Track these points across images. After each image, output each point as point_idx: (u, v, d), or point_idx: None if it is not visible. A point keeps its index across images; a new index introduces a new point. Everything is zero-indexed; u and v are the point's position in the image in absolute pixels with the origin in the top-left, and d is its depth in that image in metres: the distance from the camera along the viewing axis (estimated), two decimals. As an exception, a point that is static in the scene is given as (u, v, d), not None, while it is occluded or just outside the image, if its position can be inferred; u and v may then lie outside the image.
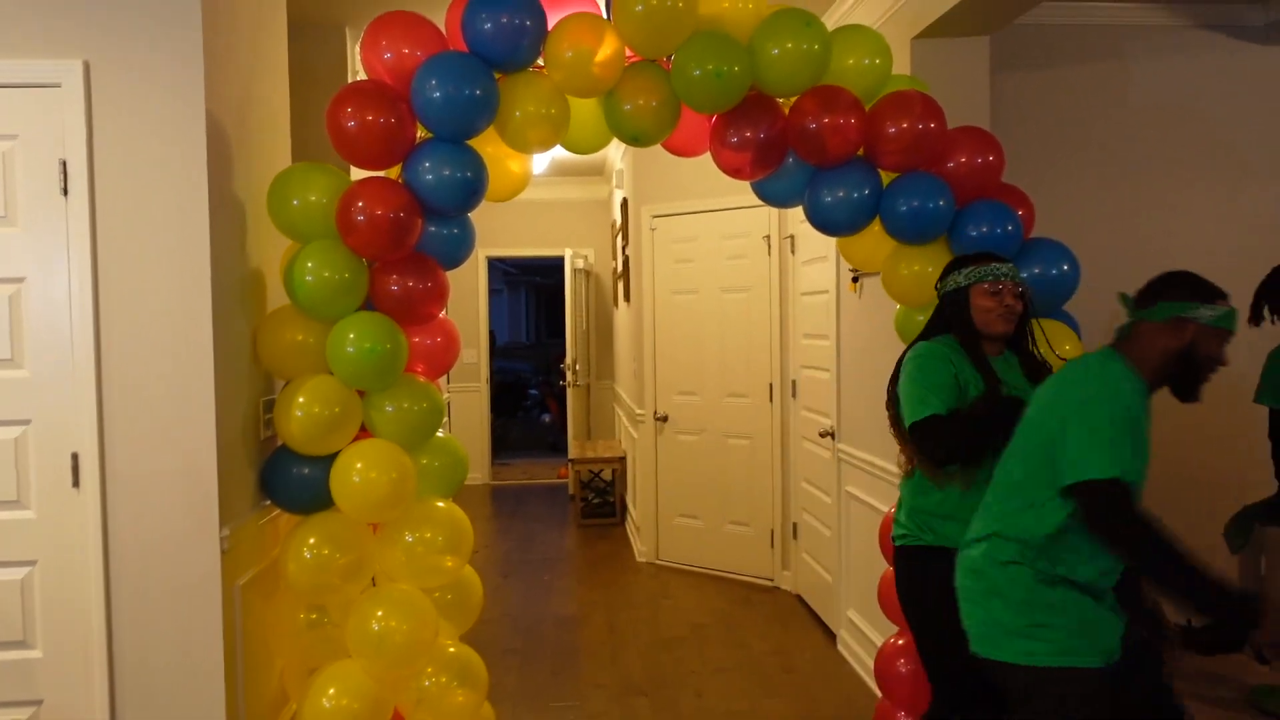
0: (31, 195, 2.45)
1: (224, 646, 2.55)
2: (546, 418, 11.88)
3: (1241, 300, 4.12)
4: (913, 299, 2.87)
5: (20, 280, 2.46)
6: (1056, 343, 2.66)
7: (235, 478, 2.66)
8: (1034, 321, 2.50)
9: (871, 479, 3.89)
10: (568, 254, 8.14)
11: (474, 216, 2.77)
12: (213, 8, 2.56)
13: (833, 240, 4.18)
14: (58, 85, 2.44)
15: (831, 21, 3.96)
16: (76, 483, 2.48)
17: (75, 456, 2.48)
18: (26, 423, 2.47)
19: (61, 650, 2.50)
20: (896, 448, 3.52)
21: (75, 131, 2.44)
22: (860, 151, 2.72)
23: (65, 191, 2.46)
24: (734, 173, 2.80)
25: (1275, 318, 3.66)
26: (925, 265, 2.78)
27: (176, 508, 2.52)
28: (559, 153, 6.48)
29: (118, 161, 2.48)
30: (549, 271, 14.73)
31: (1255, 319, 3.66)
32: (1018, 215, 2.72)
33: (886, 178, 2.76)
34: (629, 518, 6.82)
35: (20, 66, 2.43)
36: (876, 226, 2.81)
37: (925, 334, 2.51)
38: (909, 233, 2.72)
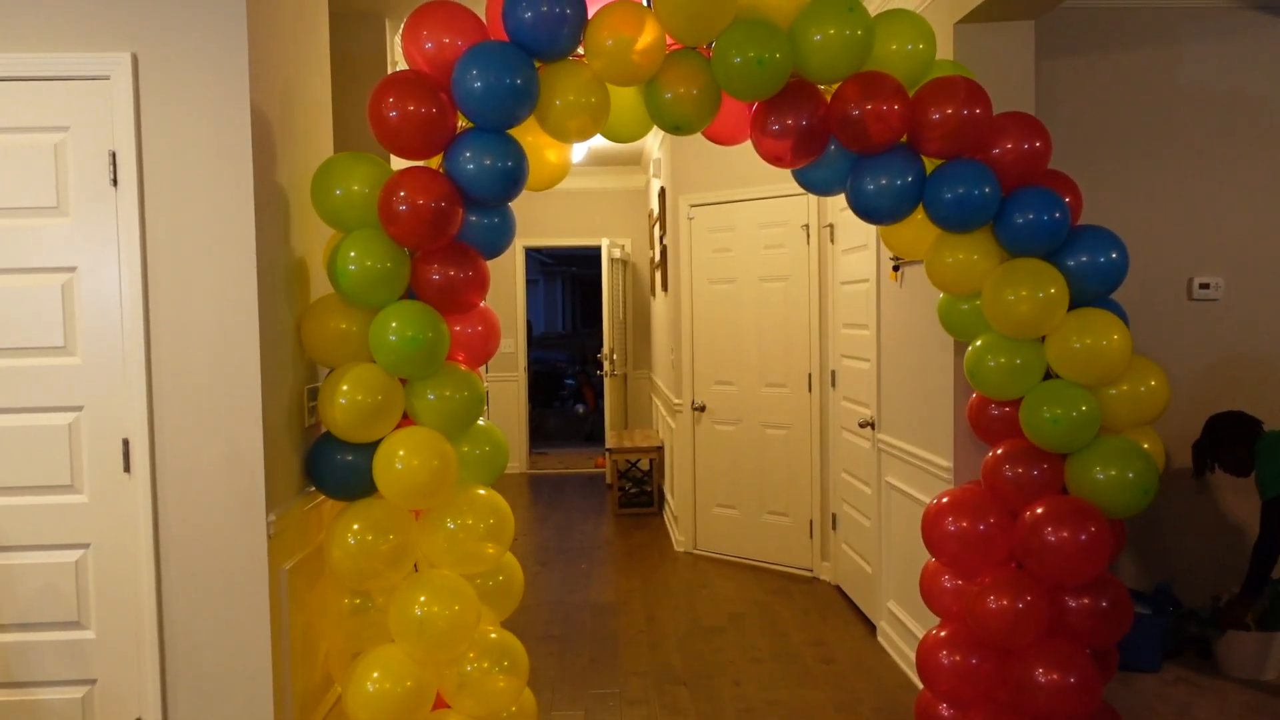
0: (82, 186, 2.50)
1: (270, 629, 2.59)
2: (581, 408, 11.90)
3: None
4: (956, 288, 2.83)
5: (72, 270, 2.51)
6: (1104, 332, 2.62)
7: (281, 464, 2.70)
8: None
9: (912, 469, 3.86)
10: (605, 243, 8.14)
11: (512, 206, 2.78)
12: (257, 0, 2.59)
13: (873, 228, 4.15)
14: (107, 78, 2.48)
15: (874, 6, 3.91)
16: (128, 468, 2.53)
17: (126, 442, 2.53)
18: (79, 409, 2.52)
19: (114, 631, 2.56)
20: (937, 437, 3.50)
21: (124, 123, 2.49)
22: (904, 138, 2.69)
23: (115, 182, 2.50)
24: (775, 161, 2.78)
25: (1216, 466, 3.80)
26: (970, 254, 2.74)
27: (224, 493, 2.56)
28: (597, 142, 6.48)
29: (165, 152, 2.52)
30: (585, 261, 14.75)
31: (1199, 473, 3.85)
32: (1065, 202, 2.67)
33: (930, 165, 2.72)
34: (666, 507, 6.83)
35: (70, 60, 2.48)
36: (920, 214, 2.77)
37: None
38: (953, 220, 2.68)
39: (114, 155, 2.49)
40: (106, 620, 2.56)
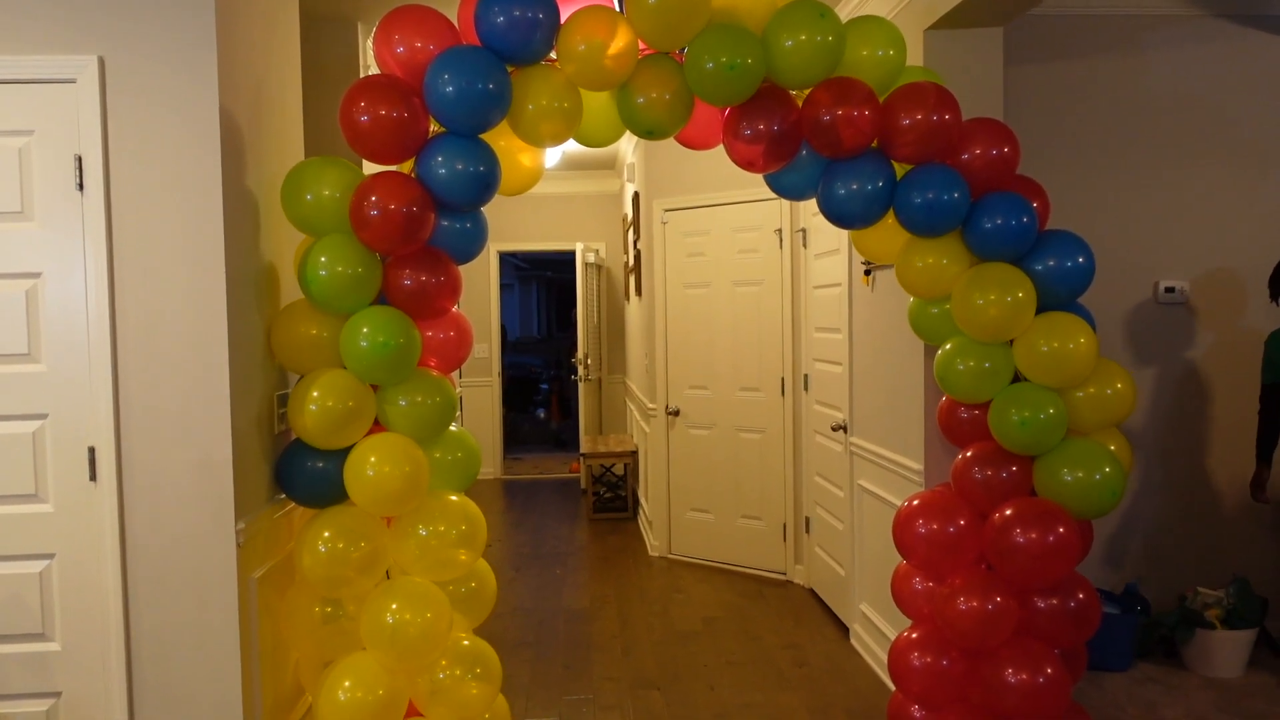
0: (48, 191, 2.47)
1: (240, 639, 2.56)
2: (541, 413, 11.79)
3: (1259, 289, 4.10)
4: (926, 292, 2.86)
5: (37, 275, 2.47)
6: (1071, 335, 2.65)
7: (250, 472, 2.67)
8: None
9: (884, 472, 3.88)
10: (579, 248, 8.13)
11: (485, 211, 2.77)
12: (226, 3, 2.57)
13: (845, 233, 4.18)
14: (73, 81, 2.45)
15: (845, 12, 3.95)
16: (94, 476, 2.50)
17: (92, 450, 2.49)
18: (44, 417, 2.49)
19: (79, 642, 2.52)
20: (908, 440, 3.53)
21: (90, 127, 2.45)
22: (874, 143, 2.71)
23: (81, 187, 2.47)
24: (747, 165, 2.79)
25: None
26: (939, 258, 2.76)
27: (192, 501, 2.53)
28: (570, 146, 6.47)
29: (132, 157, 2.49)
30: (560, 266, 14.72)
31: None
32: (1033, 207, 2.70)
33: (900, 170, 2.75)
34: (641, 512, 6.83)
35: (36, 62, 2.44)
36: (890, 219, 2.79)
37: None
38: (923, 225, 2.70)
39: (80, 159, 2.46)
40: (72, 631, 2.52)
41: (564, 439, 10.81)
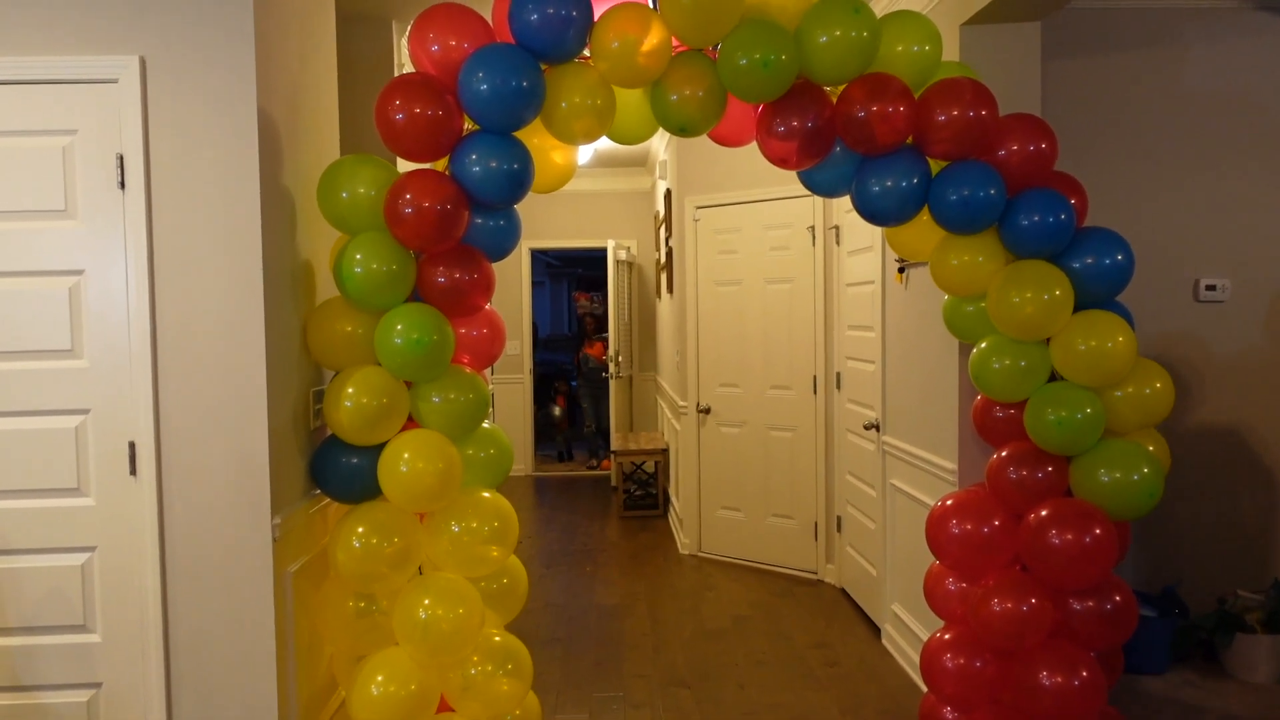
0: (90, 189, 2.51)
1: (275, 632, 2.60)
2: (557, 411, 11.12)
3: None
4: (961, 289, 2.83)
5: (80, 273, 2.52)
6: (1109, 334, 2.61)
7: (286, 467, 2.70)
8: None
9: (916, 472, 3.85)
10: (610, 245, 8.14)
11: (517, 208, 2.78)
12: (264, 4, 2.60)
13: (878, 231, 4.14)
14: (114, 81, 2.49)
15: (880, 8, 3.91)
16: (134, 471, 2.54)
17: (132, 445, 2.54)
18: (85, 412, 2.53)
19: (119, 634, 2.57)
20: (942, 440, 3.49)
21: (132, 126, 2.50)
22: (909, 140, 2.68)
23: (122, 185, 2.51)
24: (780, 162, 2.78)
25: None
26: (975, 255, 2.73)
27: (230, 496, 2.57)
28: (603, 144, 6.47)
29: (172, 155, 2.53)
30: (592, 263, 14.73)
31: None
32: (1071, 204, 2.66)
33: (936, 166, 2.72)
34: (671, 510, 6.83)
35: (78, 63, 2.49)
36: (925, 216, 2.77)
37: None
38: (958, 222, 2.67)
39: (121, 158, 2.50)
40: (112, 623, 2.57)
41: (566, 447, 10.17)
